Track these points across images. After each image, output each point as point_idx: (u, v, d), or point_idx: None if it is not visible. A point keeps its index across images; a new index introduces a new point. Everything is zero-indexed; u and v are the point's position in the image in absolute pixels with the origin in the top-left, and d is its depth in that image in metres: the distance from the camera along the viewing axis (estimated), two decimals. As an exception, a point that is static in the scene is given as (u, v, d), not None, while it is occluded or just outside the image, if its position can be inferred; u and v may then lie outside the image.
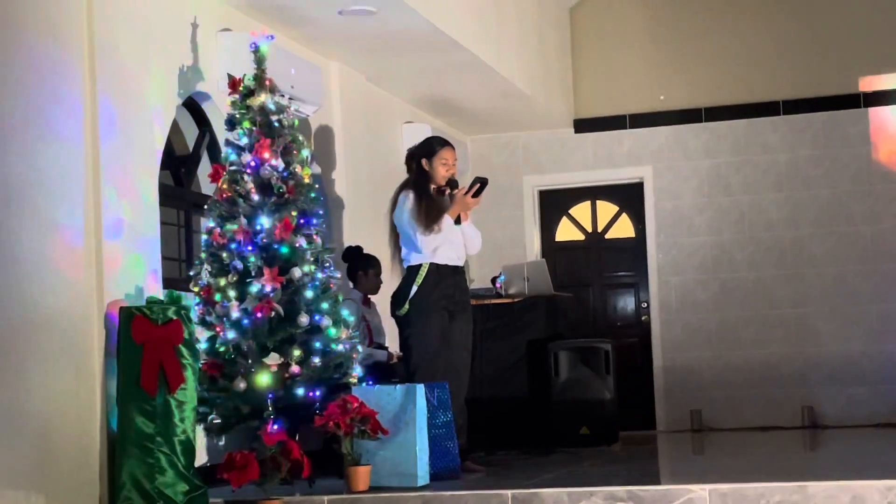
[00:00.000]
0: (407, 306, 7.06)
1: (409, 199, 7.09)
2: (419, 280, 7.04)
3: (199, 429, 6.36)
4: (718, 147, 11.50)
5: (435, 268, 7.06)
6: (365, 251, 8.52)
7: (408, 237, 7.08)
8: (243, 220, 6.58)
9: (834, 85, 11.20)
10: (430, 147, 7.22)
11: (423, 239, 7.01)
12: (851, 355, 11.05)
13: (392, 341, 8.27)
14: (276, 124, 6.75)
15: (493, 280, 9.41)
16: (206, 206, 6.84)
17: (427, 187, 7.14)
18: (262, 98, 6.75)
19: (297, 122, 7.01)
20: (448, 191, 7.12)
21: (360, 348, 6.95)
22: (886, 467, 6.53)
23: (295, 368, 6.48)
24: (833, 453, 8.32)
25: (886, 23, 11.14)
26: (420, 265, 7.05)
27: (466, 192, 7.02)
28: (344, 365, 6.71)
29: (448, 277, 7.08)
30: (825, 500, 5.24)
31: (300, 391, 6.48)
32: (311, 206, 6.82)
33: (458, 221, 7.11)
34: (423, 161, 7.19)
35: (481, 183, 7.03)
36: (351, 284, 8.45)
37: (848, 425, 10.78)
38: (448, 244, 7.08)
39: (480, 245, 7.34)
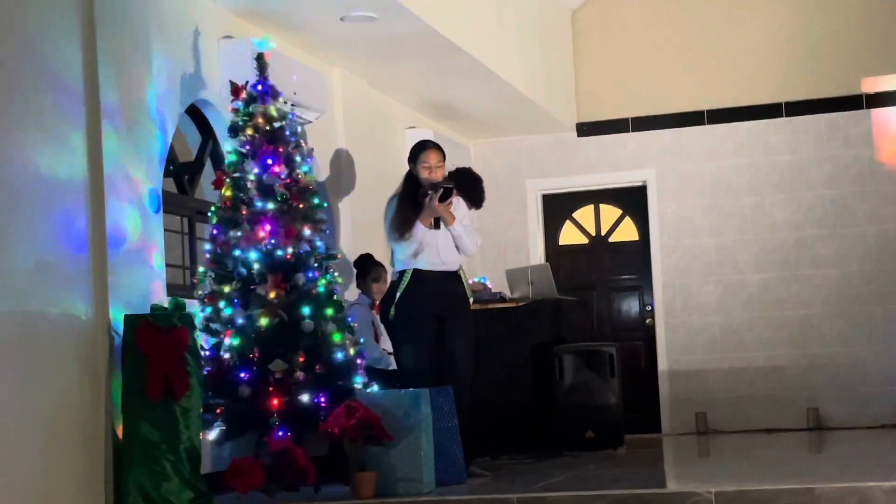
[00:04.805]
0: (393, 311, 7.10)
1: (391, 207, 7.16)
2: (402, 285, 7.08)
3: (204, 436, 6.35)
4: (721, 149, 11.50)
5: (418, 273, 7.08)
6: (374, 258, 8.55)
7: (390, 245, 7.16)
8: (247, 227, 6.59)
9: (836, 86, 11.19)
10: (414, 152, 7.27)
11: (398, 246, 7.10)
12: (856, 357, 11.04)
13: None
14: (279, 131, 6.76)
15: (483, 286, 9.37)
16: (209, 213, 6.84)
17: (411, 193, 7.15)
18: (265, 105, 6.76)
19: (299, 129, 7.02)
20: (429, 195, 7.12)
21: (365, 353, 6.95)
22: (892, 469, 6.53)
23: (300, 375, 6.48)
24: (839, 455, 8.31)
25: (888, 24, 11.13)
26: (404, 271, 7.09)
27: (431, 198, 7.04)
28: (348, 371, 6.71)
29: (433, 283, 7.09)
30: (831, 502, 5.23)
31: (305, 397, 6.48)
32: (315, 212, 6.83)
33: (438, 226, 7.12)
34: (411, 166, 7.23)
35: (444, 188, 7.05)
36: (360, 291, 8.48)
37: (853, 427, 10.77)
38: (429, 250, 7.10)
39: (475, 248, 7.31)
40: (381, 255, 8.69)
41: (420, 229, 7.07)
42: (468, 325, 7.24)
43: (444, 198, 7.05)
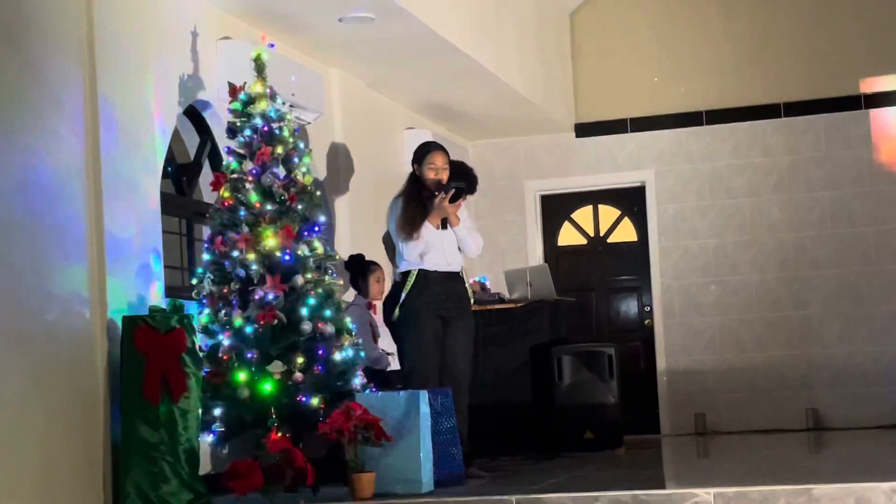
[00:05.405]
0: (397, 312, 7.11)
1: (396, 207, 7.15)
2: (408, 286, 7.07)
3: (203, 437, 6.35)
4: (720, 150, 11.50)
5: (423, 274, 7.08)
6: (367, 258, 8.52)
7: (396, 245, 7.14)
8: (245, 229, 6.58)
9: (835, 87, 11.20)
10: (419, 153, 7.26)
11: (405, 246, 7.08)
12: (855, 357, 11.04)
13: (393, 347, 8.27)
14: (277, 132, 6.76)
15: (482, 286, 9.37)
16: (207, 215, 6.84)
17: (416, 194, 7.15)
18: (263, 106, 6.75)
19: (297, 130, 7.01)
20: (439, 196, 7.12)
21: (362, 354, 6.95)
22: (891, 469, 6.53)
23: (298, 376, 6.48)
24: (838, 455, 8.31)
25: (887, 24, 11.13)
26: (409, 271, 7.08)
27: (442, 198, 7.05)
28: (347, 372, 6.71)
29: (438, 283, 7.09)
30: (830, 502, 5.23)
31: (304, 399, 6.48)
32: (313, 213, 6.82)
33: (445, 226, 7.13)
34: (416, 167, 7.22)
35: (456, 189, 7.06)
36: (356, 292, 8.47)
37: (852, 427, 10.77)
38: (435, 250, 7.10)
39: (478, 249, 7.32)
40: (379, 257, 8.67)
41: (427, 230, 7.07)
42: (470, 326, 7.26)
43: (455, 198, 7.06)
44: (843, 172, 11.19)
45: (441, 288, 7.11)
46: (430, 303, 7.06)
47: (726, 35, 11.50)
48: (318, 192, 6.98)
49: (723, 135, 11.49)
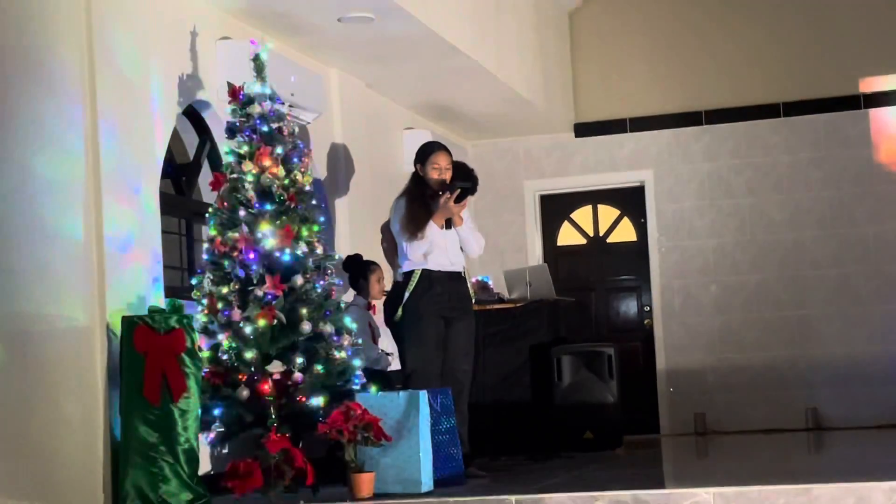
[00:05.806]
0: (400, 312, 7.10)
1: (399, 206, 7.14)
2: (411, 286, 7.07)
3: (203, 437, 6.35)
4: (719, 150, 11.50)
5: (427, 274, 7.08)
6: (365, 258, 8.52)
7: (400, 245, 7.13)
8: (244, 229, 6.58)
9: (834, 86, 11.20)
10: (422, 153, 7.25)
11: (409, 246, 7.07)
12: (855, 357, 11.04)
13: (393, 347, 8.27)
14: (277, 132, 6.76)
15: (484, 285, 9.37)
16: (207, 215, 6.84)
17: (419, 193, 7.15)
18: (262, 106, 6.75)
19: (297, 130, 7.02)
20: (444, 195, 7.12)
21: (362, 355, 6.94)
22: (891, 468, 6.52)
23: (298, 376, 6.47)
24: (837, 455, 8.31)
25: (886, 23, 11.13)
26: (412, 271, 7.08)
27: (448, 198, 7.04)
28: (346, 372, 6.71)
29: (441, 283, 7.09)
30: (830, 502, 5.23)
31: (303, 399, 6.47)
32: (312, 213, 6.82)
33: (449, 226, 7.12)
34: (419, 167, 7.22)
35: (462, 189, 7.05)
36: (355, 293, 8.46)
37: (852, 427, 10.77)
38: (438, 250, 7.10)
39: (480, 248, 7.33)
40: (376, 257, 8.67)
41: (431, 229, 7.07)
42: (471, 326, 7.26)
43: (460, 198, 7.05)
44: (842, 172, 11.19)
45: (444, 288, 7.11)
46: (434, 303, 7.05)
47: (726, 35, 11.49)
48: (317, 192, 6.97)
49: (722, 134, 11.49)
